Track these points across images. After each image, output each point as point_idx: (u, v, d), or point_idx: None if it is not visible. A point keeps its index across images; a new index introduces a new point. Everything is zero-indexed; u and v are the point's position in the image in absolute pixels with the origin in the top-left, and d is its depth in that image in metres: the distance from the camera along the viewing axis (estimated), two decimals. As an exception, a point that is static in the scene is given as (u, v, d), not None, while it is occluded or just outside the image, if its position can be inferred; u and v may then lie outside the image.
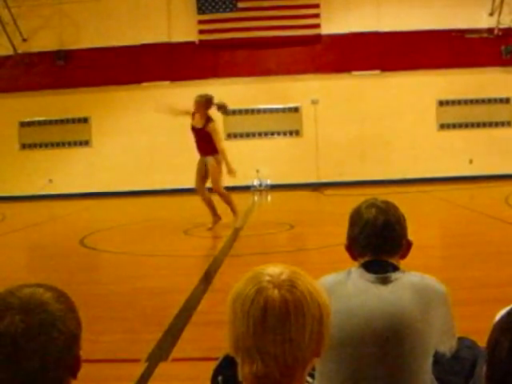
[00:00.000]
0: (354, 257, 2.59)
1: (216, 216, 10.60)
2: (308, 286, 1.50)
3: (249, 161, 18.86)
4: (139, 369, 3.99)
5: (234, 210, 10.68)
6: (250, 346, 1.46)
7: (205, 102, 10.54)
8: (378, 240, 2.50)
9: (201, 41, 19.30)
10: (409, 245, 2.58)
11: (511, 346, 1.22)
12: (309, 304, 1.48)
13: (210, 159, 10.44)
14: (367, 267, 2.47)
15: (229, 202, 10.65)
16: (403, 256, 2.57)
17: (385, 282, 2.40)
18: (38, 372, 1.32)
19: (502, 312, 2.23)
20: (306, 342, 1.47)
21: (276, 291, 1.47)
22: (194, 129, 10.60)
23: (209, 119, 10.51)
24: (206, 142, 10.43)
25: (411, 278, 2.43)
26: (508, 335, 1.23)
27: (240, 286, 1.52)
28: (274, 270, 1.52)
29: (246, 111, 19.53)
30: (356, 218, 2.58)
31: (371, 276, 2.43)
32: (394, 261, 2.51)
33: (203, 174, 10.60)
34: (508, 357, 1.21)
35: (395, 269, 2.47)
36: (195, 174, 10.66)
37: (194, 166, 10.74)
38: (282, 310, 1.45)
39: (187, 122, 10.78)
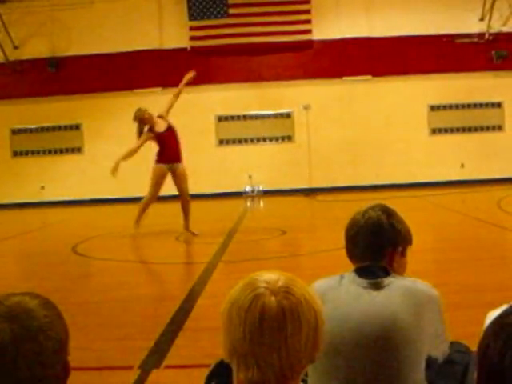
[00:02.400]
0: (350, 260, 2.63)
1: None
2: (304, 293, 1.51)
3: (241, 167, 18.90)
4: (132, 376, 3.98)
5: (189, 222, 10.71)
6: (246, 352, 1.46)
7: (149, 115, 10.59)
8: (358, 247, 2.55)
9: (192, 47, 19.32)
10: (393, 253, 2.57)
11: (502, 350, 1.22)
12: (305, 310, 1.48)
13: (182, 165, 10.51)
14: (359, 272, 2.48)
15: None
16: (390, 260, 2.56)
17: (377, 287, 2.41)
18: (28, 379, 1.32)
19: (491, 314, 2.24)
20: (301, 349, 1.47)
21: (273, 298, 1.47)
22: (162, 135, 10.53)
23: (162, 117, 10.61)
24: (176, 137, 10.50)
25: (403, 283, 2.43)
26: (499, 339, 1.23)
27: (236, 292, 1.52)
28: (271, 276, 1.52)
29: (238, 117, 19.55)
30: (348, 224, 2.62)
31: (363, 281, 2.43)
32: (385, 265, 2.52)
33: (163, 183, 10.72)
34: (499, 360, 1.21)
35: (387, 273, 2.47)
36: (158, 184, 10.65)
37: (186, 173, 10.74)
38: (279, 316, 1.45)
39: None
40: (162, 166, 10.57)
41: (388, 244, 2.55)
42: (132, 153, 10.70)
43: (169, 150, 10.53)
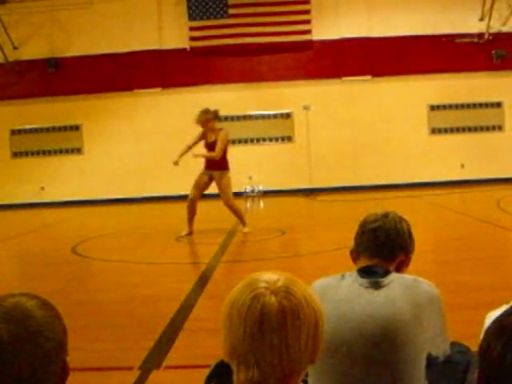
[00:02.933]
0: (355, 261, 2.64)
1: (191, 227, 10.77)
2: (304, 293, 1.51)
3: (241, 167, 18.82)
4: (132, 377, 3.98)
5: (242, 220, 10.86)
6: (247, 352, 1.46)
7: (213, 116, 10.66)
8: (372, 244, 2.57)
9: (192, 47, 19.30)
10: (403, 260, 2.60)
11: (503, 351, 1.21)
12: (305, 310, 1.48)
13: (222, 173, 10.57)
14: (361, 272, 2.49)
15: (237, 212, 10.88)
16: (397, 269, 2.58)
17: (377, 286, 2.41)
18: (26, 379, 1.32)
19: (491, 314, 2.24)
20: (302, 348, 1.47)
21: (273, 298, 1.47)
22: (207, 145, 10.70)
23: (219, 130, 10.67)
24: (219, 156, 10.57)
25: (404, 281, 2.44)
26: (500, 339, 1.23)
27: (236, 292, 1.52)
28: (270, 276, 1.53)
29: (238, 117, 19.53)
30: (362, 224, 2.66)
31: (364, 281, 2.44)
32: (389, 266, 2.53)
33: (203, 186, 10.75)
34: (500, 361, 1.21)
35: (387, 272, 2.48)
36: (194, 187, 10.71)
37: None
38: (279, 316, 1.45)
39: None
40: (203, 170, 10.79)
41: (402, 249, 2.60)
42: (186, 149, 10.76)
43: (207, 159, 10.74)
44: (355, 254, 2.64)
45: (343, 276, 2.52)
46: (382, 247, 2.55)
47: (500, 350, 1.21)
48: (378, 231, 2.57)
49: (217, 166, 10.66)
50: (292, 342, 1.45)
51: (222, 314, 1.52)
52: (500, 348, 1.21)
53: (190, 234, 10.71)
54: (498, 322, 1.28)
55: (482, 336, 1.32)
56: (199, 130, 10.72)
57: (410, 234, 2.64)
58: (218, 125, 10.79)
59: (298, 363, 1.48)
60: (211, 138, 10.60)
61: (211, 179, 10.74)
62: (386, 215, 2.63)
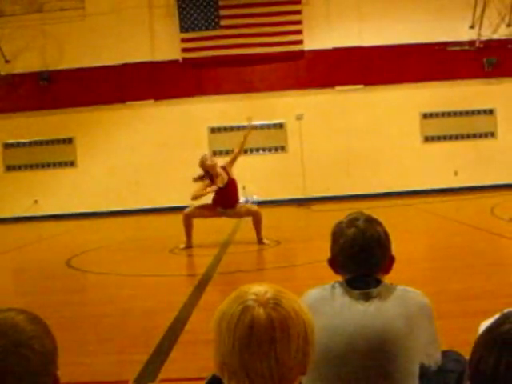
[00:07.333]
0: (337, 271, 2.60)
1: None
2: (293, 304, 1.50)
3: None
4: (127, 390, 3.96)
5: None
6: (236, 365, 1.46)
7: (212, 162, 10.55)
8: (356, 260, 2.50)
9: (184, 59, 19.36)
10: (391, 260, 2.58)
11: (496, 362, 1.21)
12: (294, 322, 1.48)
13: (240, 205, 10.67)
14: (351, 283, 2.48)
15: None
16: (386, 272, 2.57)
17: (368, 297, 2.40)
18: None
19: (486, 323, 2.24)
20: (291, 360, 1.47)
21: (261, 310, 1.46)
22: (220, 189, 10.51)
23: (225, 169, 10.60)
24: (235, 191, 10.57)
25: (394, 292, 2.43)
26: (492, 351, 1.23)
27: (225, 305, 1.52)
28: (259, 288, 1.53)
29: (231, 128, 19.54)
30: (336, 236, 2.60)
31: (355, 292, 2.43)
32: (376, 275, 2.52)
33: (208, 215, 10.67)
34: (493, 372, 1.21)
35: (378, 283, 2.47)
36: (199, 208, 10.63)
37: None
38: (268, 328, 1.45)
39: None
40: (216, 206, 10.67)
41: (388, 253, 2.56)
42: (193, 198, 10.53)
43: (222, 199, 10.60)
44: (339, 269, 2.60)
45: (334, 286, 2.50)
46: (365, 265, 2.50)
47: (493, 362, 1.21)
48: (362, 253, 2.49)
49: (233, 204, 10.66)
50: (281, 353, 1.45)
51: (212, 328, 1.52)
52: (492, 360, 1.21)
53: (189, 247, 10.64)
54: (488, 333, 1.27)
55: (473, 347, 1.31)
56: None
57: (386, 234, 2.55)
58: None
59: (288, 375, 1.47)
60: (221, 182, 10.48)
61: (220, 215, 10.70)
62: (363, 231, 2.52)
